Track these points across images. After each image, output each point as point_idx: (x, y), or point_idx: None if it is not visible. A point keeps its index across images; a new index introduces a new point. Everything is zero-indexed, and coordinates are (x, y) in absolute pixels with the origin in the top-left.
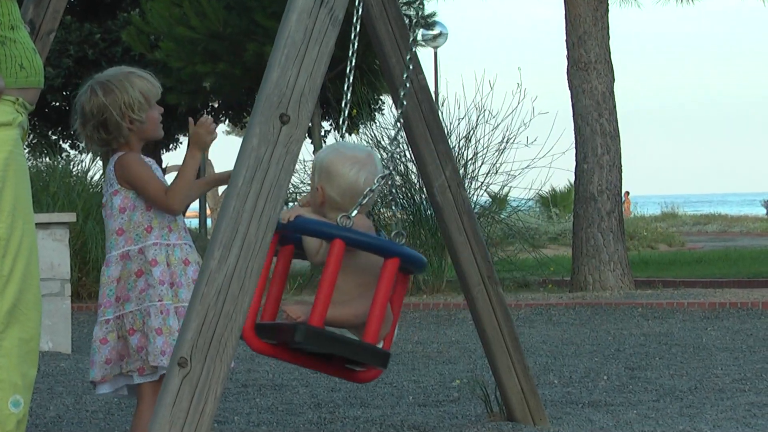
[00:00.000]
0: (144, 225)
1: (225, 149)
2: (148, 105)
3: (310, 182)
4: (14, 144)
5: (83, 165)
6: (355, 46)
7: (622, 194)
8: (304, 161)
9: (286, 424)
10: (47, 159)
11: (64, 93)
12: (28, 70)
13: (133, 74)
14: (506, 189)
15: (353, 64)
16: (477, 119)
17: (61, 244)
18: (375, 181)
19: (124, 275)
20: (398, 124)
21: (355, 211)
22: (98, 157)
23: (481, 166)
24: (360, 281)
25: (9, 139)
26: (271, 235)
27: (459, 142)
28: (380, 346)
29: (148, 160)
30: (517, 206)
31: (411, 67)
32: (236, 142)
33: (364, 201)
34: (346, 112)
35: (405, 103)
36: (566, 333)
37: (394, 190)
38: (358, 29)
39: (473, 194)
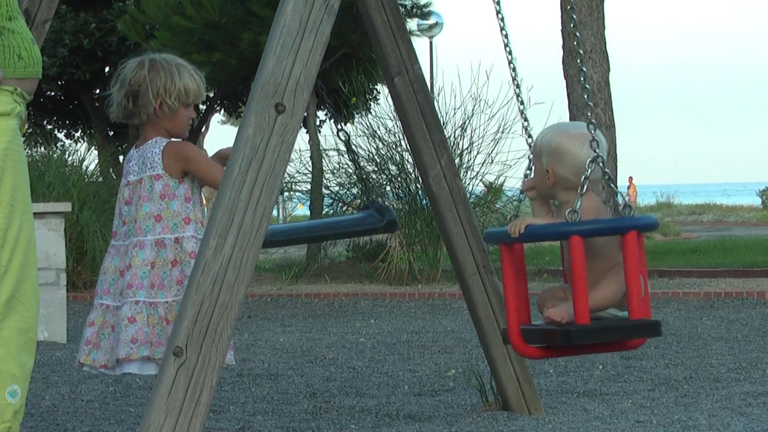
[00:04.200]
0: (182, 215)
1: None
2: (186, 100)
3: (533, 166)
4: (12, 134)
5: (78, 155)
6: None
7: (626, 179)
8: (300, 150)
9: (281, 414)
10: (42, 149)
11: (60, 83)
12: (26, 60)
13: (185, 68)
14: (502, 179)
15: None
16: (473, 109)
17: (57, 234)
18: (587, 167)
19: (159, 262)
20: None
21: (579, 203)
22: (93, 147)
23: (476, 156)
24: (602, 260)
25: (7, 129)
26: (267, 225)
27: (455, 132)
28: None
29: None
30: (513, 196)
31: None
32: (232, 131)
33: (583, 191)
34: None
35: None
36: None
37: (607, 170)
38: None
39: (469, 184)
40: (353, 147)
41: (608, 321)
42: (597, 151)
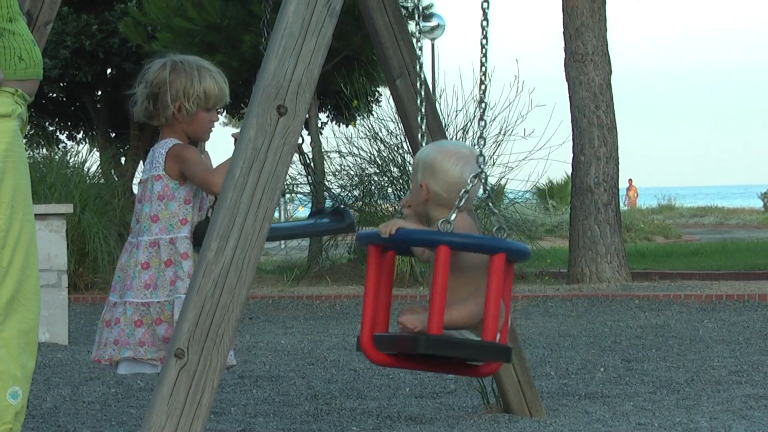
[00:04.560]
0: (179, 216)
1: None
2: (206, 104)
3: (411, 181)
4: (13, 135)
5: (80, 156)
6: None
7: (626, 181)
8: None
9: (282, 416)
10: (44, 150)
11: (61, 84)
12: (27, 61)
13: (207, 71)
14: (503, 181)
15: None
16: (474, 111)
17: (58, 236)
18: (468, 181)
19: (154, 263)
20: (480, 124)
21: (454, 214)
22: (95, 149)
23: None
24: (467, 280)
25: (8, 130)
26: (268, 227)
27: (456, 134)
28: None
29: None
30: (514, 198)
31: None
32: None
33: (461, 203)
34: None
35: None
36: (563, 325)
37: (489, 188)
38: None
39: None
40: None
41: (460, 339)
42: (482, 167)
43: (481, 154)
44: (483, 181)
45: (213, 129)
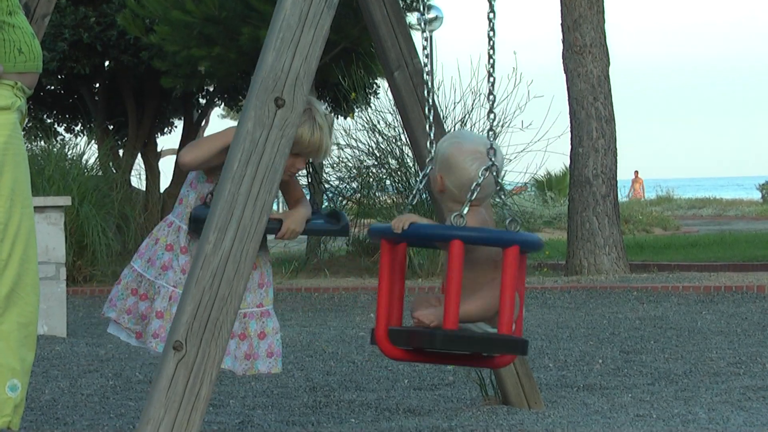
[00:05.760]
0: (182, 198)
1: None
2: (292, 148)
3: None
4: (13, 128)
5: (78, 149)
6: None
7: (631, 173)
8: None
9: (281, 408)
10: (42, 143)
11: (60, 77)
12: (27, 54)
13: (313, 119)
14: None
15: None
16: (473, 103)
17: (57, 228)
18: (479, 174)
19: (162, 240)
20: (490, 117)
21: (467, 208)
22: (93, 141)
23: None
24: (481, 272)
25: (8, 123)
26: (266, 219)
27: (454, 126)
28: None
29: None
30: (511, 190)
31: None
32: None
33: (473, 197)
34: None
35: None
36: (561, 317)
37: (500, 180)
38: None
39: None
40: None
41: (475, 332)
42: (493, 159)
43: (491, 147)
44: (494, 174)
45: (294, 174)
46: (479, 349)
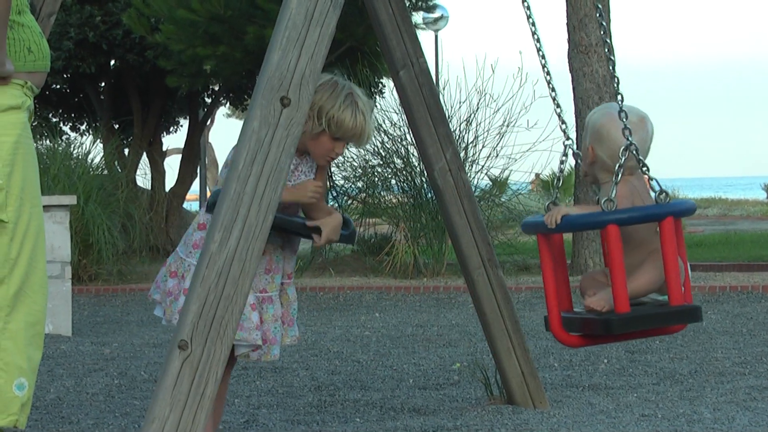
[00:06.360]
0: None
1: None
2: (334, 132)
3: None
4: (23, 127)
5: (84, 148)
6: None
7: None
8: None
9: (286, 407)
10: (48, 142)
11: (65, 75)
12: (36, 53)
13: (354, 103)
14: (507, 172)
15: None
16: (478, 103)
17: (62, 227)
18: (620, 154)
19: (196, 220)
20: (618, 99)
21: (615, 191)
22: (99, 140)
23: (481, 150)
24: (639, 247)
25: (18, 122)
26: (272, 218)
27: (460, 126)
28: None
29: (296, 161)
30: (518, 189)
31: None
32: (237, 125)
33: (617, 179)
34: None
35: None
36: None
37: (640, 159)
38: None
39: (474, 177)
40: None
41: (648, 308)
42: (630, 138)
43: (626, 127)
44: (634, 152)
45: (334, 159)
46: (654, 325)
